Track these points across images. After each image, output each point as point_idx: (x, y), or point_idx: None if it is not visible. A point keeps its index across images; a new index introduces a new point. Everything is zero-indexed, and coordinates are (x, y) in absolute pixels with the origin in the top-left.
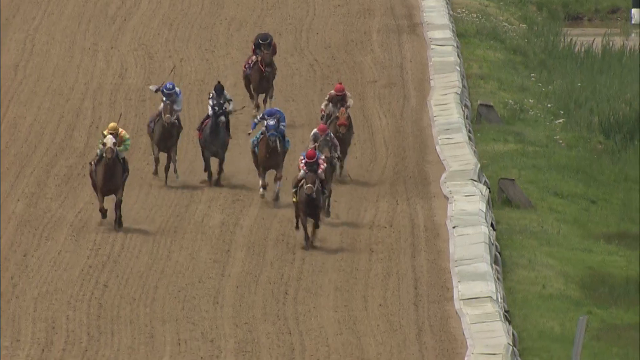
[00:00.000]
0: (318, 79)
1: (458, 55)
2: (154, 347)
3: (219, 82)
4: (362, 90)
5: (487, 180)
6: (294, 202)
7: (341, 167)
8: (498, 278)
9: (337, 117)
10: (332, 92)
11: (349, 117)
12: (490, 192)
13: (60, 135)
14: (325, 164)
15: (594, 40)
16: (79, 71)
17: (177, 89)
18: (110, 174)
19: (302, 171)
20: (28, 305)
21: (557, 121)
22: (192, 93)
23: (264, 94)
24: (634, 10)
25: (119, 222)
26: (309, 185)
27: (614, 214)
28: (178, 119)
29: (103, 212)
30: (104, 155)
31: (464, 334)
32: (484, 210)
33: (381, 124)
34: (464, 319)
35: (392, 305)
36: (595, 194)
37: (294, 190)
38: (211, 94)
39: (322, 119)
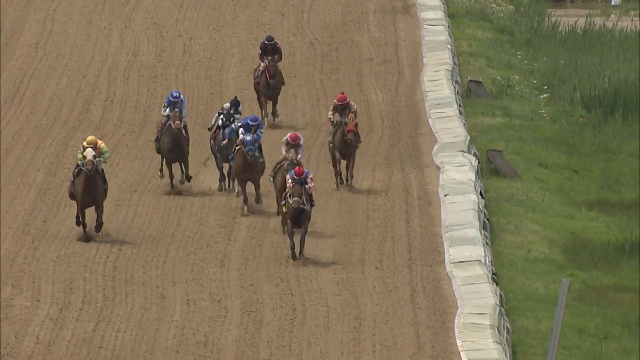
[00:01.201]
0: (318, 57)
1: (449, 34)
2: (165, 306)
3: (235, 97)
4: (359, 67)
5: (476, 151)
6: (282, 212)
7: (349, 173)
8: (486, 243)
9: (346, 124)
10: (335, 101)
11: (357, 124)
12: (479, 162)
13: (77, 109)
14: (313, 182)
15: (576, 20)
16: (95, 49)
17: (182, 96)
18: (90, 187)
19: (288, 186)
20: (47, 267)
21: (542, 96)
22: (201, 69)
23: (271, 102)
24: None
25: (99, 227)
26: (295, 199)
27: (594, 183)
28: (185, 127)
29: (83, 224)
30: (85, 167)
31: (454, 295)
32: (473, 179)
33: (377, 99)
34: (455, 281)
35: (387, 268)
36: (577, 164)
37: (283, 202)
38: (224, 108)
39: (333, 126)
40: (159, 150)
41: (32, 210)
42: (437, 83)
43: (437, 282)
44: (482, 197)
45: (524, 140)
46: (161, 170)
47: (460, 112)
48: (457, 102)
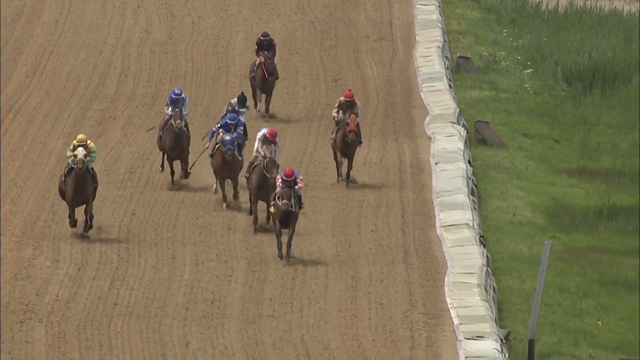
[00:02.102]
0: (318, 34)
1: (440, 13)
2: (175, 266)
3: (242, 93)
4: (357, 44)
5: (465, 122)
6: (271, 212)
7: (349, 169)
8: (474, 207)
9: (347, 124)
10: (342, 98)
11: (358, 125)
12: (467, 133)
13: (93, 83)
14: (302, 183)
15: (558, 0)
16: (110, 27)
17: (184, 95)
18: (81, 185)
19: (278, 187)
20: (67, 230)
21: (526, 71)
22: (208, 46)
23: (265, 93)
24: None
25: (88, 227)
26: (284, 201)
27: (574, 152)
28: (186, 125)
29: (73, 221)
30: (75, 166)
31: (444, 256)
32: (462, 148)
33: (373, 74)
34: (445, 243)
35: (382, 231)
36: (559, 135)
37: (272, 202)
38: (230, 103)
39: (336, 124)
40: (161, 147)
41: (52, 176)
42: (429, 59)
43: (428, 244)
44: (471, 165)
45: (510, 112)
46: (162, 166)
47: (450, 86)
48: (447, 77)
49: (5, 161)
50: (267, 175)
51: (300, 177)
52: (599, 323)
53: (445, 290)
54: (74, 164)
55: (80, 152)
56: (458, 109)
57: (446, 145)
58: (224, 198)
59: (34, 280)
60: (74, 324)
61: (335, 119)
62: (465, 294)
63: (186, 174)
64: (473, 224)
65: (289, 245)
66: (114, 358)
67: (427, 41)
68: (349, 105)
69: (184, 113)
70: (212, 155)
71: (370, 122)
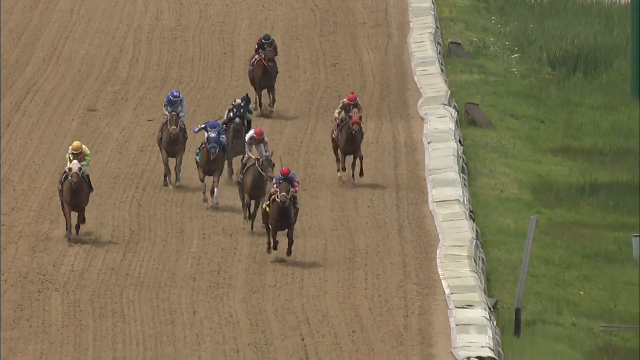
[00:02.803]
0: (317, 21)
1: (432, 1)
2: (184, 239)
3: (247, 95)
4: (354, 30)
5: (455, 104)
6: (265, 210)
7: (360, 172)
8: (464, 184)
9: (350, 117)
10: (345, 100)
11: (360, 118)
12: (458, 114)
13: (106, 67)
14: (298, 185)
15: None
16: (122, 14)
17: (181, 95)
18: (77, 193)
19: (274, 188)
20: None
21: (513, 56)
22: (215, 32)
23: (265, 89)
24: None
25: (77, 229)
26: (282, 193)
27: (559, 132)
28: (184, 127)
29: (69, 229)
30: (71, 178)
31: (436, 230)
32: (453, 128)
33: (369, 58)
34: (437, 217)
35: (378, 207)
36: (544, 115)
37: (267, 202)
38: (236, 101)
39: (337, 126)
40: (160, 146)
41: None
42: (422, 44)
43: (421, 218)
44: (461, 145)
45: (498, 94)
46: (165, 165)
47: (441, 69)
48: (439, 61)
49: (23, 140)
50: (263, 174)
51: (297, 178)
52: (581, 293)
53: (437, 262)
54: (69, 176)
55: (75, 165)
56: (449, 92)
57: (438, 125)
58: (205, 192)
59: (50, 253)
60: (88, 293)
61: (337, 119)
62: (456, 266)
63: (177, 177)
64: (463, 200)
65: (289, 251)
66: (126, 325)
67: (420, 28)
68: (352, 106)
69: (181, 114)
70: (197, 154)
71: (366, 104)
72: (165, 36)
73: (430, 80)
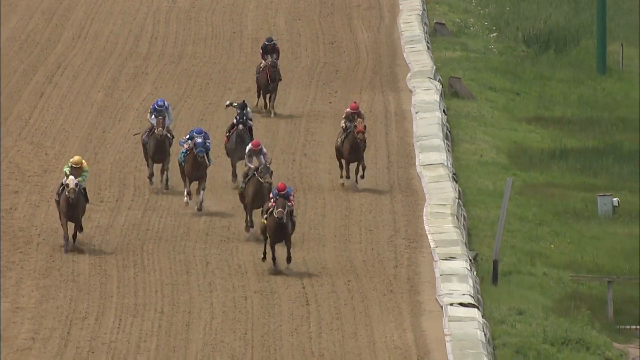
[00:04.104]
0: (317, 4)
1: None
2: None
3: (243, 101)
4: (350, 12)
5: (440, 78)
6: (263, 223)
7: (362, 175)
8: (448, 150)
9: (355, 127)
10: (348, 110)
11: (365, 127)
12: (442, 86)
13: (129, 45)
14: (293, 200)
15: None
16: None
17: (167, 103)
18: (74, 206)
19: (271, 202)
20: (106, 168)
21: (492, 35)
22: (225, 13)
23: (269, 95)
24: None
25: (74, 238)
26: (279, 209)
27: (532, 103)
28: (169, 131)
29: (66, 239)
30: (68, 194)
31: (423, 190)
32: (438, 100)
33: (363, 37)
34: (424, 179)
35: (371, 169)
36: (519, 88)
37: (265, 216)
38: (236, 104)
39: (341, 135)
40: (145, 153)
41: (94, 123)
42: (410, 25)
43: (409, 180)
44: (445, 114)
45: (478, 69)
46: (149, 166)
47: (428, 47)
48: (425, 40)
49: (55, 109)
50: (261, 180)
51: (293, 194)
52: (552, 246)
53: (424, 219)
54: (67, 192)
55: (71, 181)
56: (434, 67)
57: (425, 97)
58: (189, 194)
59: None
60: (112, 246)
61: (343, 127)
62: (441, 222)
63: (166, 185)
64: (447, 164)
65: (288, 259)
66: (146, 275)
67: (408, 10)
68: (355, 115)
69: (167, 121)
70: (182, 160)
71: (361, 78)
72: (181, 17)
73: (417, 56)
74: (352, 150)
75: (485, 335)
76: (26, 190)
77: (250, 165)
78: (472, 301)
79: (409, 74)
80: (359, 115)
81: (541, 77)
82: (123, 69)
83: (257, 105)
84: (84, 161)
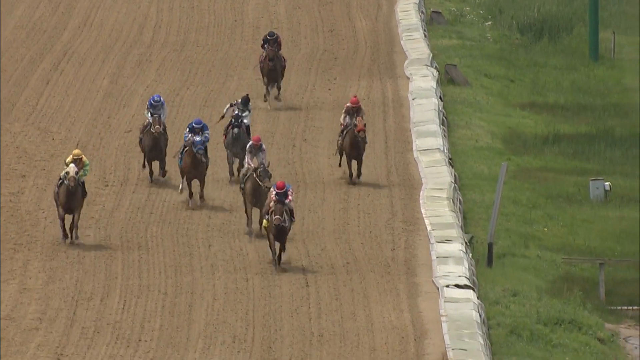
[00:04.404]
0: None
1: None
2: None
3: (247, 95)
4: (348, 0)
5: (437, 65)
6: (264, 227)
7: (359, 172)
8: (444, 135)
9: (356, 125)
10: (349, 104)
11: (365, 125)
12: (439, 73)
13: (133, 32)
14: (292, 196)
15: None
16: None
17: (162, 99)
18: (72, 197)
19: (272, 202)
20: (111, 153)
21: (487, 23)
22: (227, 1)
23: (274, 82)
24: None
25: (75, 235)
26: (277, 216)
27: (526, 89)
28: (164, 129)
29: (64, 231)
30: (67, 182)
31: (420, 175)
32: (435, 87)
33: (362, 25)
34: (420, 164)
35: (369, 154)
36: (513, 75)
37: (266, 217)
38: (235, 102)
39: (342, 132)
40: (142, 149)
41: (99, 109)
42: (407, 13)
43: (406, 165)
44: (441, 100)
45: (473, 56)
46: (144, 165)
47: (425, 35)
48: (422, 28)
49: (61, 95)
50: (261, 184)
51: (291, 190)
52: (545, 229)
53: (420, 203)
54: (65, 180)
55: (72, 169)
56: (431, 54)
57: (421, 84)
58: (190, 195)
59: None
60: (118, 229)
61: (342, 125)
62: (437, 206)
63: (163, 173)
64: (443, 149)
65: (279, 257)
66: (150, 257)
67: None
68: (355, 110)
69: (163, 117)
70: (180, 157)
71: (359, 65)
72: (184, 5)
73: (414, 44)
74: (352, 147)
75: (480, 315)
76: (33, 174)
77: (249, 163)
78: (467, 283)
79: (406, 62)
80: (359, 110)
81: (535, 64)
82: (127, 56)
83: (266, 101)
84: (84, 156)
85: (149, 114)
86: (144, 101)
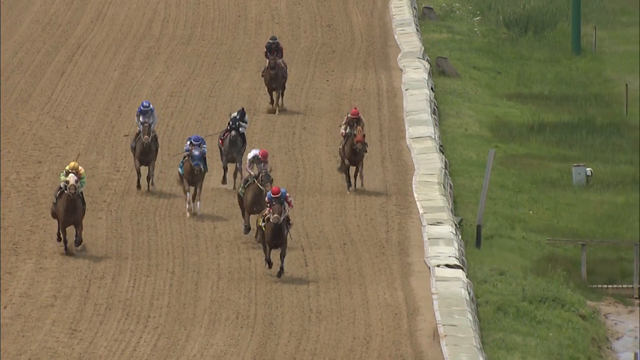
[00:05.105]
0: None
1: None
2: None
3: (242, 108)
4: None
5: (428, 58)
6: (261, 228)
7: (361, 177)
8: (435, 124)
9: (355, 135)
10: (349, 115)
11: (364, 136)
12: (430, 66)
13: (143, 27)
14: (292, 203)
15: None
16: None
17: (151, 106)
18: (72, 208)
19: (268, 202)
20: (122, 140)
21: (475, 19)
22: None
23: (275, 91)
24: None
25: (78, 243)
26: (275, 215)
27: (512, 81)
28: (155, 137)
29: (65, 242)
30: (68, 190)
31: (412, 161)
32: (426, 78)
33: (358, 20)
34: (413, 151)
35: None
36: (500, 67)
37: (262, 223)
38: (232, 115)
39: (344, 138)
40: (134, 156)
41: (111, 98)
42: (401, 9)
43: (400, 151)
44: (433, 91)
45: (463, 50)
46: (138, 174)
47: (417, 30)
48: (415, 23)
49: (75, 86)
50: (262, 188)
51: (288, 195)
52: (530, 212)
53: (413, 187)
54: (66, 189)
55: (72, 178)
56: (423, 48)
57: (414, 75)
58: (189, 202)
59: (97, 179)
60: (128, 212)
61: (343, 134)
62: (428, 190)
63: (151, 182)
64: (434, 136)
65: (280, 271)
66: (158, 238)
67: None
68: (355, 121)
69: (152, 124)
70: (180, 166)
71: (355, 58)
72: (191, 1)
73: (407, 38)
74: (352, 155)
75: (469, 293)
76: (49, 160)
77: (249, 171)
78: (457, 263)
79: (399, 54)
80: (359, 121)
81: (521, 57)
82: (137, 49)
83: (270, 102)
84: (81, 167)
85: (139, 121)
86: (153, 91)
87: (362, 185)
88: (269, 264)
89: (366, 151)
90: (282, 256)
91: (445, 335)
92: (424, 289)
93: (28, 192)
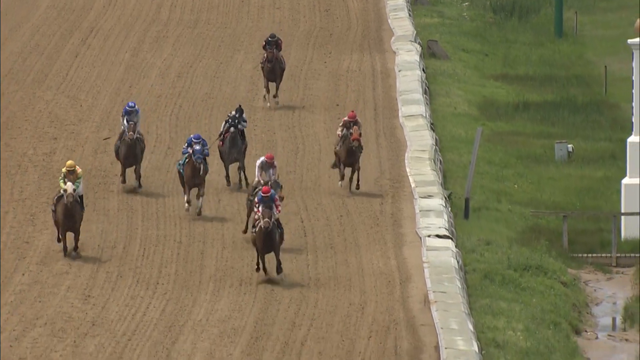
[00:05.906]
0: None
1: None
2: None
3: (240, 105)
4: None
5: (420, 41)
6: (252, 235)
7: (358, 179)
8: (426, 103)
9: (351, 134)
10: (346, 118)
11: (360, 135)
12: (422, 48)
13: (152, 11)
14: (280, 205)
15: None
16: None
17: (137, 106)
18: (70, 215)
19: (257, 213)
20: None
21: (464, 4)
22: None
23: (274, 82)
24: None
25: (75, 249)
26: (265, 219)
27: (499, 62)
28: (141, 136)
29: (64, 247)
30: (66, 199)
31: (405, 138)
32: (418, 60)
33: (354, 5)
34: (405, 128)
35: (360, 120)
36: (488, 50)
37: (253, 230)
38: (231, 113)
39: (339, 141)
40: (117, 156)
41: (122, 79)
42: None
43: (393, 129)
44: (424, 72)
45: (452, 33)
46: (122, 175)
47: (409, 14)
48: (407, 8)
49: (88, 67)
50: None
51: (278, 202)
52: (515, 186)
53: (405, 163)
54: (64, 197)
55: (70, 186)
56: (415, 31)
57: (406, 57)
58: (188, 202)
59: (109, 154)
60: (138, 198)
61: (340, 135)
62: (420, 165)
63: (139, 184)
64: (426, 115)
65: (278, 269)
66: (167, 209)
67: None
68: (352, 123)
69: (138, 124)
70: (181, 168)
71: (351, 41)
72: None
73: (400, 22)
74: (348, 155)
75: (458, 262)
76: (63, 137)
77: (259, 178)
78: (446, 233)
79: (393, 38)
80: (356, 123)
81: (506, 40)
82: (147, 32)
83: (265, 99)
84: (78, 167)
85: (125, 121)
86: (162, 73)
87: (357, 187)
88: (262, 268)
89: (361, 151)
90: (277, 256)
91: (435, 301)
92: (416, 258)
93: (44, 166)
